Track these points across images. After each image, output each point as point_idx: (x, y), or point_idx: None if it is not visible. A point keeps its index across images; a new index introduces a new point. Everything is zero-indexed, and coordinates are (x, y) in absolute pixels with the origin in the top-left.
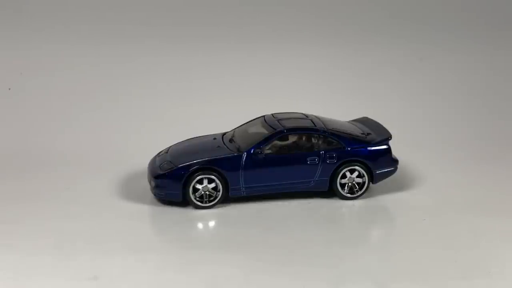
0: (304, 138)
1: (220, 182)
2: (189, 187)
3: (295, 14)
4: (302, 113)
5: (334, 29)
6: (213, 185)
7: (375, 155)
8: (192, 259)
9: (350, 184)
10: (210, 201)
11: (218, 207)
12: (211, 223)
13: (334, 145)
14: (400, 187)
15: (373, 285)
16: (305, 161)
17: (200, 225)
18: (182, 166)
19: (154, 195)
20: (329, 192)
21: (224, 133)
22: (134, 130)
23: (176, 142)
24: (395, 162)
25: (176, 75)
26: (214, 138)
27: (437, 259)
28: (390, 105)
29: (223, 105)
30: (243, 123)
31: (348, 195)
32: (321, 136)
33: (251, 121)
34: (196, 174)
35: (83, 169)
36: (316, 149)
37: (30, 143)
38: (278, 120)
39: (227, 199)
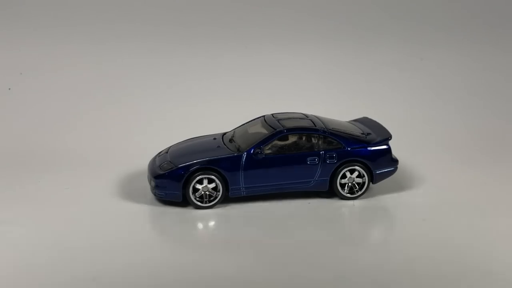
0: (304, 138)
1: (220, 182)
2: (189, 187)
3: (296, 14)
4: (302, 113)
5: (334, 30)
6: (213, 185)
7: (375, 155)
8: (192, 259)
9: (350, 184)
10: (210, 201)
11: (218, 207)
12: (211, 223)
13: (334, 145)
14: (400, 187)
15: (373, 285)
16: (305, 161)
17: (200, 225)
18: (182, 166)
19: (154, 195)
20: (329, 192)
21: (224, 133)
22: (134, 130)
23: (176, 142)
24: (395, 162)
25: (176, 75)
26: (214, 138)
27: (437, 259)
28: (390, 105)
29: (223, 105)
30: (243, 123)
31: (348, 195)
32: (321, 136)
33: (251, 121)
34: (196, 174)
35: (83, 169)
36: (316, 149)
37: (30, 143)
38: (278, 120)
39: (227, 199)
